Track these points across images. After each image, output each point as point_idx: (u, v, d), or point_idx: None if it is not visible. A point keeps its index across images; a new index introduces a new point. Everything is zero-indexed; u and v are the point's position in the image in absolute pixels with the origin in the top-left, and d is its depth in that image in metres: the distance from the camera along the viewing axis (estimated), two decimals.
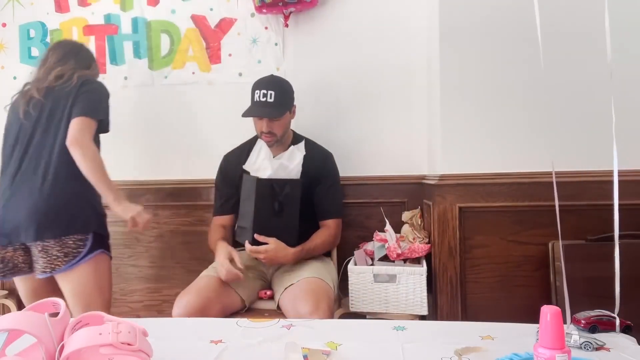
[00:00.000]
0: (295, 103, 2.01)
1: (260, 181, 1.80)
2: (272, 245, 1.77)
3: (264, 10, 2.23)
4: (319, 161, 2.01)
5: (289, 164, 1.94)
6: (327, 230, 1.98)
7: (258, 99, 1.89)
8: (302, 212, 1.93)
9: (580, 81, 1.85)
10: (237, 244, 1.99)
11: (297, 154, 1.97)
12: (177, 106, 2.39)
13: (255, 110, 1.91)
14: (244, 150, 2.03)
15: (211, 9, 2.34)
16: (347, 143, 2.27)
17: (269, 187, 1.81)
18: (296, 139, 2.04)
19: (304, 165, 1.95)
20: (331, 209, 2.00)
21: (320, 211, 2.00)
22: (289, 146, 2.00)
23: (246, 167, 1.97)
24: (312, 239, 1.92)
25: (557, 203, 1.14)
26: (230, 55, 2.35)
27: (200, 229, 2.07)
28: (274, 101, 1.87)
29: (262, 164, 1.94)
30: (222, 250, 1.80)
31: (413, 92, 2.24)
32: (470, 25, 1.90)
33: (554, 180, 1.14)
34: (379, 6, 2.26)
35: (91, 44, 2.38)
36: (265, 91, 1.88)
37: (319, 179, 1.98)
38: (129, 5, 2.37)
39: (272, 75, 1.99)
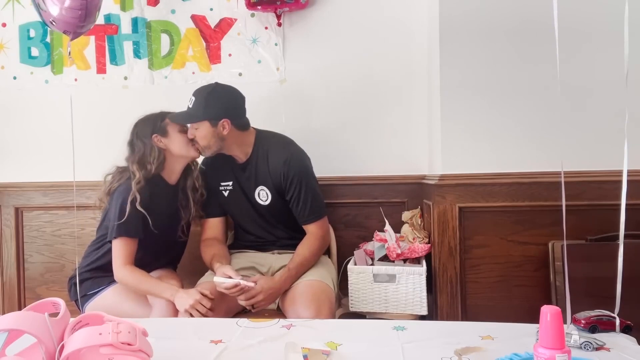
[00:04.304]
0: (246, 117, 1.88)
1: None
2: (260, 285, 1.68)
3: (259, 7, 2.22)
4: (280, 165, 1.84)
5: None
6: (311, 236, 1.86)
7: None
8: (287, 221, 1.91)
9: (581, 81, 1.84)
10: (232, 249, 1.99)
11: None
12: (177, 106, 2.37)
13: (172, 114, 1.86)
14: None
15: (211, 9, 2.33)
16: (347, 143, 2.27)
17: None
18: (259, 140, 1.89)
19: (268, 171, 1.86)
20: (309, 213, 1.86)
21: (299, 217, 1.88)
22: (252, 151, 1.88)
23: None
24: (299, 253, 1.81)
25: (564, 203, 1.14)
26: (230, 55, 2.34)
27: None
28: (191, 108, 1.81)
29: None
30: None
31: (413, 92, 2.24)
32: (470, 25, 1.89)
33: (562, 180, 1.14)
34: (379, 6, 2.25)
35: (91, 44, 2.38)
36: (191, 97, 1.83)
37: (286, 184, 1.84)
38: (129, 5, 2.37)
39: (210, 84, 1.88)
